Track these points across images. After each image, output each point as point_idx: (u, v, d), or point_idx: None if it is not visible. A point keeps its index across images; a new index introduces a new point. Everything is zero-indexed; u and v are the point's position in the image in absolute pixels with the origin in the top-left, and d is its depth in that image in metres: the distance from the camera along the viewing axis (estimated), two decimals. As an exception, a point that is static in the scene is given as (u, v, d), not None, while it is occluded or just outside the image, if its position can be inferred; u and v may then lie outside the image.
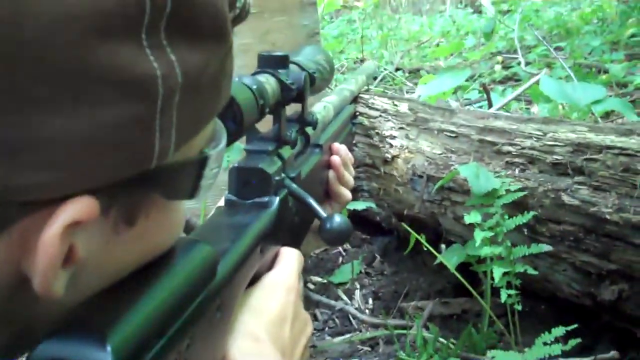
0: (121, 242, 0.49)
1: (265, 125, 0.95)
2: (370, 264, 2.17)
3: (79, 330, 0.46)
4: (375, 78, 4.43)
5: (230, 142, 0.82)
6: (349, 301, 1.98)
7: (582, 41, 5.29)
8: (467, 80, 4.24)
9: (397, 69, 5.06)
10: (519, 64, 4.46)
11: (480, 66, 4.81)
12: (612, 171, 1.37)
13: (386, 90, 4.24)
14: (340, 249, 2.25)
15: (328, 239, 1.00)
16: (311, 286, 2.06)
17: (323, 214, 0.98)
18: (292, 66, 1.01)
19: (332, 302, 1.97)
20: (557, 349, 1.23)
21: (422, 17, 8.21)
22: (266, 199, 0.87)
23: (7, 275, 0.43)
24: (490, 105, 3.06)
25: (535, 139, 1.58)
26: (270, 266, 0.84)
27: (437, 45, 6.21)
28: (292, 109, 1.05)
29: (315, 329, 1.88)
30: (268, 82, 0.92)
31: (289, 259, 0.86)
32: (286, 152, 0.98)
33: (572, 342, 1.24)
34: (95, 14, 0.39)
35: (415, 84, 4.08)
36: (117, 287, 0.51)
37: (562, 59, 4.21)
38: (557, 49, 5.10)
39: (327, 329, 1.89)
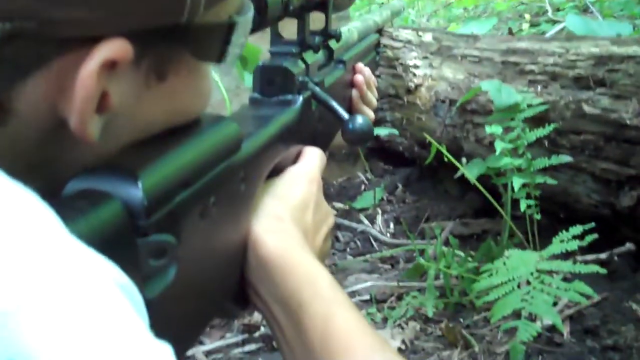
0: (152, 97, 0.51)
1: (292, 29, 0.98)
2: (393, 192, 2.20)
3: (112, 168, 0.48)
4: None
5: (253, 31, 0.85)
6: (370, 225, 2.01)
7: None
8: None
9: (424, 29, 5.05)
10: (546, 21, 4.42)
11: (507, 24, 4.79)
12: (634, 79, 1.38)
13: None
14: (362, 177, 2.29)
15: (351, 139, 1.01)
16: (334, 211, 2.09)
17: (346, 115, 1.00)
18: None
19: (354, 225, 2.00)
20: (573, 244, 1.26)
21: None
22: (290, 97, 0.89)
23: (45, 116, 0.45)
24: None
25: (557, 56, 1.59)
26: (294, 162, 0.86)
27: (464, 8, 6.18)
28: (316, 25, 1.07)
29: (336, 250, 1.92)
30: None
31: (312, 155, 0.87)
32: (310, 56, 0.99)
33: (589, 238, 1.26)
34: None
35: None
36: (148, 141, 0.53)
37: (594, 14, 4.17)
38: (585, 10, 5.05)
39: (348, 250, 1.92)
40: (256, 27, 0.85)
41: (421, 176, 2.17)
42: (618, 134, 1.39)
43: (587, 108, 1.45)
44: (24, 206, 0.36)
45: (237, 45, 0.57)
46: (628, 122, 1.36)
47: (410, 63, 2.06)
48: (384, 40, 2.15)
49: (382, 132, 2.01)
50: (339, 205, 2.13)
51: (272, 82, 0.90)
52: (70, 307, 0.33)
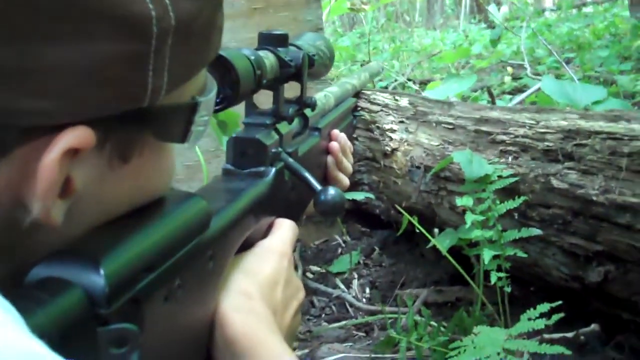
0: (116, 178, 0.52)
1: (265, 105, 0.99)
2: (369, 255, 2.20)
3: (75, 254, 0.48)
4: (385, 88, 4.48)
5: (225, 107, 0.85)
6: (346, 290, 2.01)
7: (594, 54, 5.32)
8: (476, 91, 4.28)
9: (408, 80, 5.11)
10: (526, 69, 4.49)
11: (490, 77, 4.86)
12: (600, 155, 1.40)
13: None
14: (339, 240, 2.29)
15: (323, 210, 1.00)
16: (310, 275, 2.09)
17: (318, 186, 1.00)
18: (291, 47, 1.03)
19: (330, 290, 2.00)
20: (540, 323, 1.26)
21: (436, 31, 8.27)
22: (262, 168, 0.90)
23: (8, 201, 0.46)
24: (495, 110, 3.09)
25: (528, 128, 1.61)
26: (265, 235, 0.86)
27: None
28: (291, 93, 1.08)
29: (312, 316, 1.92)
30: (267, 56, 0.94)
31: (284, 228, 0.88)
32: (284, 127, 0.99)
33: (556, 317, 1.26)
34: None
35: (425, 94, 4.12)
36: (111, 223, 0.54)
37: (572, 71, 4.24)
38: (568, 61, 5.13)
39: (323, 315, 1.92)
40: (229, 103, 0.85)
41: (398, 239, 2.17)
42: (585, 210, 1.40)
43: (555, 182, 1.47)
44: None
45: (201, 124, 0.57)
46: (594, 198, 1.37)
47: (387, 127, 2.08)
48: (362, 103, 2.18)
49: (358, 196, 2.01)
50: (315, 268, 2.13)
51: (244, 154, 0.91)
52: None
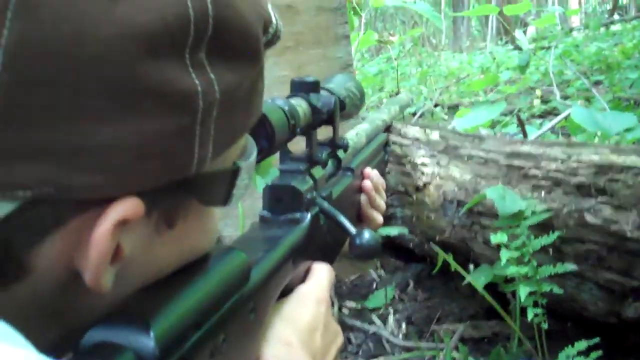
0: (162, 243, 0.54)
1: (299, 149, 1.01)
2: (404, 289, 2.21)
3: (125, 318, 0.50)
4: (414, 114, 4.50)
5: (262, 158, 0.88)
6: (382, 325, 2.02)
7: (623, 75, 5.28)
8: (505, 115, 4.28)
9: (436, 105, 5.12)
10: (556, 95, 4.48)
11: (519, 100, 4.85)
12: (633, 190, 1.40)
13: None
14: (374, 274, 2.30)
15: (358, 254, 1.01)
16: (346, 311, 2.10)
17: (353, 230, 1.01)
18: (323, 91, 1.06)
19: (366, 326, 2.01)
20: (579, 362, 1.26)
21: (462, 53, 8.28)
22: (298, 215, 0.91)
23: (61, 270, 0.48)
24: (525, 138, 3.09)
25: (560, 162, 1.62)
26: (302, 280, 0.87)
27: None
28: (324, 134, 1.10)
29: (349, 353, 1.92)
30: (299, 104, 0.97)
31: (321, 273, 0.88)
32: (317, 172, 1.01)
33: (594, 355, 1.26)
34: (146, 35, 0.45)
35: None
36: (158, 284, 0.56)
37: (601, 93, 4.22)
38: (597, 83, 5.10)
39: (360, 352, 1.92)
40: (265, 154, 0.88)
41: (432, 272, 2.17)
42: (620, 245, 1.41)
43: (589, 217, 1.47)
44: None
45: (242, 187, 0.59)
46: (629, 234, 1.37)
47: (419, 161, 2.10)
48: (393, 137, 2.20)
49: (392, 231, 2.03)
50: (351, 304, 2.14)
51: (280, 200, 0.92)
52: None
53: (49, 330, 0.49)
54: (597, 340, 1.32)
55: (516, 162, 1.75)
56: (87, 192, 0.45)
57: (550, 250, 1.55)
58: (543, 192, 1.63)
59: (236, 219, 2.02)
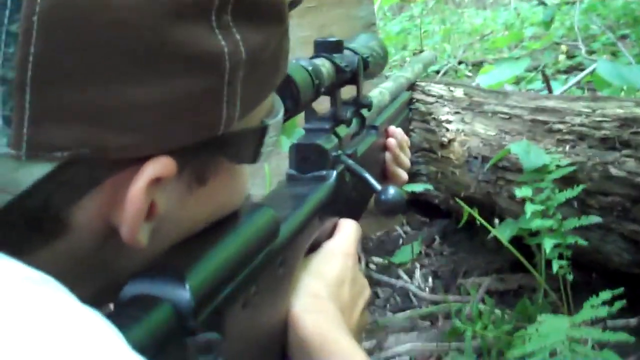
0: (194, 200, 0.56)
1: (323, 108, 1.03)
2: (430, 245, 2.24)
3: (162, 272, 0.53)
4: (437, 72, 4.48)
5: (288, 118, 0.90)
6: (409, 280, 2.06)
7: (651, 28, 5.19)
8: (530, 71, 4.25)
9: (460, 62, 5.09)
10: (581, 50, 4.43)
11: (544, 56, 4.80)
12: (658, 142, 1.41)
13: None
14: (400, 230, 2.33)
15: (383, 209, 1.04)
16: (373, 267, 2.14)
17: (378, 186, 1.03)
18: (346, 51, 1.07)
19: (393, 281, 2.05)
20: (603, 310, 1.29)
21: (486, 10, 8.17)
22: (324, 172, 0.93)
23: (99, 226, 0.51)
24: (550, 93, 3.09)
25: (584, 116, 1.63)
26: (329, 235, 0.89)
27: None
28: (348, 93, 1.12)
29: (376, 306, 1.97)
30: (323, 64, 0.99)
31: (347, 228, 0.90)
32: (342, 130, 1.03)
33: (618, 304, 1.29)
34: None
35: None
36: (192, 239, 0.58)
37: (628, 47, 4.17)
38: (623, 37, 5.02)
39: (388, 306, 1.97)
40: (291, 114, 0.90)
41: (458, 228, 2.20)
42: (644, 197, 1.42)
43: (613, 170, 1.49)
44: (91, 326, 0.41)
45: (270, 145, 0.61)
46: (653, 186, 1.39)
47: (443, 118, 2.11)
48: (417, 95, 2.21)
49: (417, 188, 2.05)
50: (377, 259, 2.18)
51: (306, 159, 0.93)
52: None
53: (90, 283, 0.51)
54: (621, 290, 1.34)
55: (540, 117, 1.76)
56: (121, 152, 0.47)
57: (575, 203, 1.57)
58: (567, 146, 1.65)
59: (263, 178, 2.05)
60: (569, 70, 4.58)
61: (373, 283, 2.02)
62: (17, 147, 0.45)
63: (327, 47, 1.03)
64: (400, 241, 2.28)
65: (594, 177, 1.54)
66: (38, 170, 0.46)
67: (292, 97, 0.89)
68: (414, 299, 1.97)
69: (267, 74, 0.57)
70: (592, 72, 3.02)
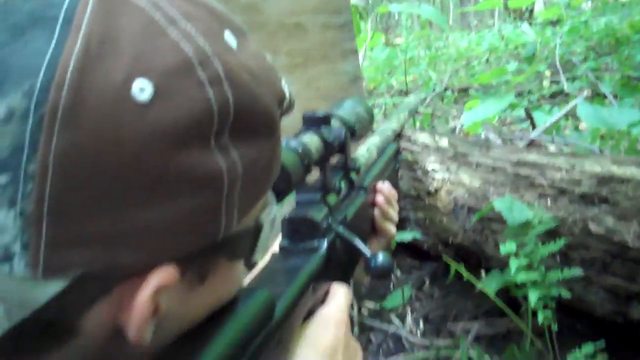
0: (194, 297, 0.61)
1: (314, 173, 1.09)
2: (420, 288, 2.30)
3: None
4: (424, 99, 4.56)
5: (281, 199, 0.96)
6: (401, 324, 2.12)
7: (633, 50, 5.29)
8: (515, 96, 4.33)
9: (446, 89, 5.17)
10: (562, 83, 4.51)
11: (529, 82, 4.88)
12: (634, 202, 1.49)
13: (435, 112, 4.37)
14: (391, 275, 2.39)
15: (373, 274, 1.10)
16: (365, 312, 2.20)
17: (368, 253, 1.09)
18: (333, 122, 1.13)
19: (385, 326, 2.11)
20: (586, 365, 1.36)
21: (471, 32, 8.29)
22: (315, 242, 0.97)
23: (107, 328, 0.55)
24: (533, 127, 3.16)
25: (564, 171, 1.70)
26: (322, 300, 0.93)
27: (487, 60, 6.31)
28: (338, 156, 1.17)
29: (370, 352, 2.03)
30: (312, 141, 1.04)
31: (339, 295, 0.93)
32: (332, 199, 1.07)
33: (601, 357, 1.36)
34: (176, 131, 0.52)
35: (465, 102, 4.19)
36: (194, 332, 0.63)
37: (610, 72, 4.26)
38: (606, 67, 5.10)
39: (381, 351, 2.03)
40: (283, 195, 0.96)
41: (447, 271, 2.26)
42: (623, 253, 1.49)
43: (592, 226, 1.56)
44: None
45: (263, 239, 0.66)
46: (630, 244, 1.46)
47: (429, 167, 2.18)
48: (403, 143, 2.28)
49: (406, 236, 2.12)
50: (369, 304, 2.24)
51: (298, 231, 0.98)
52: None
53: None
54: (602, 343, 1.41)
55: (522, 171, 1.83)
56: (130, 266, 0.52)
57: (558, 256, 1.64)
58: (549, 200, 1.72)
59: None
60: (553, 96, 4.67)
61: (366, 329, 2.09)
62: (35, 269, 0.49)
63: (315, 121, 1.08)
64: (391, 285, 2.35)
65: (575, 231, 1.61)
66: (53, 288, 0.50)
67: (284, 180, 0.95)
68: (406, 344, 2.03)
69: (262, 180, 0.62)
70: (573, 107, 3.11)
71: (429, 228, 2.21)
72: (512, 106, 4.16)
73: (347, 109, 1.34)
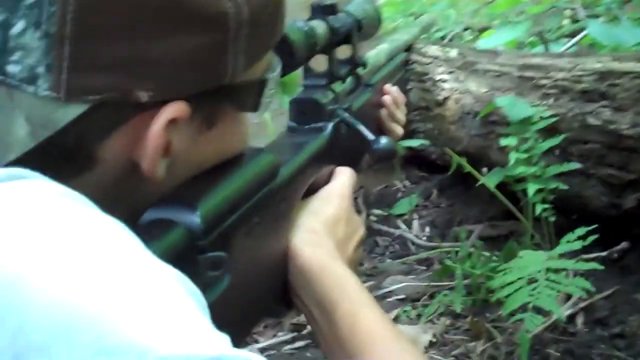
0: (204, 141, 0.66)
1: (322, 64, 1.14)
2: (428, 197, 2.37)
3: (176, 200, 0.63)
4: (443, 38, 4.56)
5: (285, 73, 1.01)
6: (407, 229, 2.20)
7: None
8: (535, 36, 4.31)
9: (466, 29, 5.14)
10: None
11: (550, 20, 4.84)
12: (630, 93, 1.53)
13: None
14: (399, 184, 2.46)
15: (376, 156, 1.14)
16: (373, 218, 2.28)
17: (371, 136, 1.13)
18: (340, 14, 1.18)
19: (392, 230, 2.18)
20: (578, 244, 1.42)
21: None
22: (321, 124, 1.02)
23: (123, 161, 0.60)
24: (548, 54, 3.18)
25: (567, 71, 1.75)
26: (326, 181, 0.97)
27: None
28: (345, 54, 1.22)
29: (376, 254, 2.11)
30: (318, 25, 1.10)
31: (343, 174, 0.98)
32: (338, 86, 1.11)
33: (591, 238, 1.42)
34: None
35: (484, 42, 4.18)
36: (202, 175, 0.68)
37: (630, 10, 4.20)
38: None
39: (387, 253, 2.11)
40: (288, 69, 1.02)
41: (454, 182, 2.33)
42: (618, 143, 1.55)
43: (591, 120, 1.61)
44: (116, 233, 0.51)
45: (268, 96, 0.72)
46: (625, 132, 1.51)
47: (438, 78, 2.23)
48: (413, 56, 2.32)
49: (413, 143, 2.19)
50: (378, 211, 2.31)
51: (304, 112, 1.03)
52: (148, 298, 0.44)
53: (118, 211, 0.55)
54: (594, 226, 1.47)
55: (527, 74, 1.88)
56: (144, 97, 0.57)
57: (557, 151, 1.70)
58: (551, 100, 1.77)
59: (267, 137, 2.18)
60: (574, 34, 4.62)
61: (373, 232, 2.16)
62: (57, 91, 0.54)
63: (322, 10, 1.13)
64: (399, 195, 2.41)
65: (574, 126, 1.66)
66: (73, 111, 0.55)
67: (288, 54, 1.00)
68: (411, 247, 2.11)
69: (267, 33, 0.67)
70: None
71: (438, 138, 2.27)
72: (531, 44, 4.14)
73: (356, 5, 1.38)
